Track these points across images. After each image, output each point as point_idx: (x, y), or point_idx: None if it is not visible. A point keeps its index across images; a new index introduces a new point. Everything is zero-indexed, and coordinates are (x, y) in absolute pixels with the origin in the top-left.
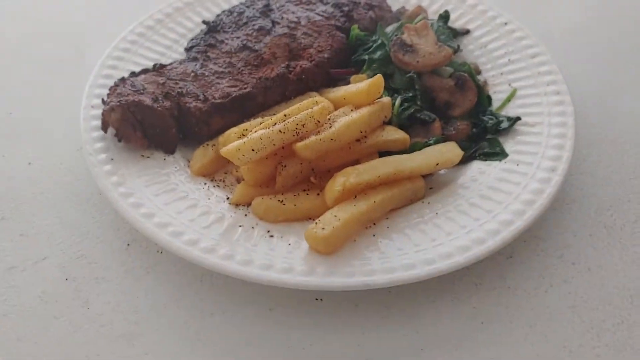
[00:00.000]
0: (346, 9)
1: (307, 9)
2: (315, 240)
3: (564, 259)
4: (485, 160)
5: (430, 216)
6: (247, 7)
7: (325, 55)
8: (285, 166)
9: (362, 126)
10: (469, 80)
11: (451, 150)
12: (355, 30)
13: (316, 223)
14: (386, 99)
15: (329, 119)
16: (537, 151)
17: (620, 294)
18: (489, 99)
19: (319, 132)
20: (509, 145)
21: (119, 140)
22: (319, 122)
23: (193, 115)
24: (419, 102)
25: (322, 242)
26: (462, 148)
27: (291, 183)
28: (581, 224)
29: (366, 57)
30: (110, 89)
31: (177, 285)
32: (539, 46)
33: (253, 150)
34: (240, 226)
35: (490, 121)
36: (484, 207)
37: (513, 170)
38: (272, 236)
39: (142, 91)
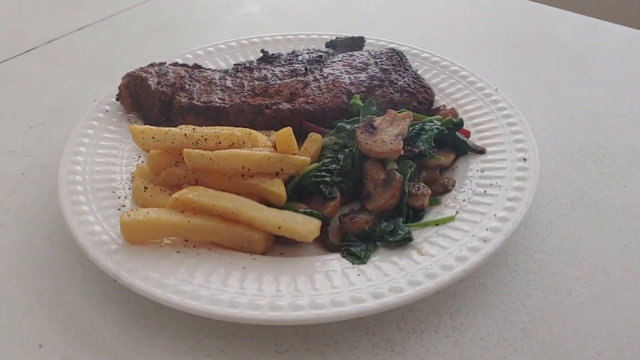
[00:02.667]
0: (375, 82)
1: (345, 71)
2: (120, 223)
3: None
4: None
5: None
6: (309, 53)
7: (308, 107)
8: (177, 165)
9: (244, 162)
10: (396, 181)
11: (307, 225)
12: (356, 99)
13: (131, 210)
14: (294, 157)
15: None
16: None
17: None
18: (418, 213)
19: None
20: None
21: (117, 99)
22: (220, 143)
23: (174, 106)
24: (336, 178)
25: (122, 226)
26: (343, 239)
27: (173, 182)
28: None
29: (342, 124)
30: (149, 64)
31: None
32: None
33: (153, 138)
34: None
35: (387, 229)
36: None
37: None
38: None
39: (158, 74)
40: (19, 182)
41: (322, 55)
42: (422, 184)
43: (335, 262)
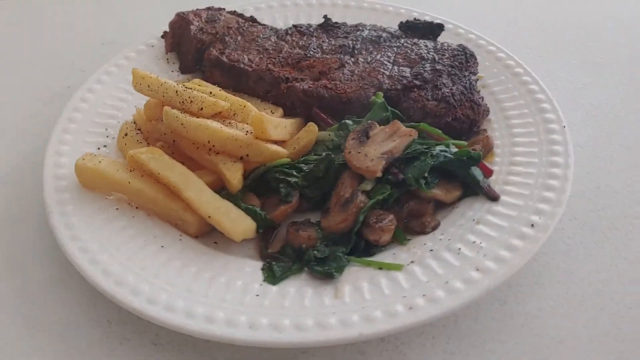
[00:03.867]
0: (416, 82)
1: (394, 61)
2: (75, 165)
3: None
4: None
5: None
6: (370, 30)
7: (323, 92)
8: (161, 120)
9: (211, 137)
10: (354, 205)
11: (238, 224)
12: (379, 97)
13: (87, 155)
14: (265, 145)
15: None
16: None
17: None
18: (372, 247)
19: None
20: None
21: (162, 37)
22: (202, 109)
23: (205, 57)
24: (301, 181)
25: (75, 169)
26: (281, 249)
27: (155, 136)
28: None
29: (348, 121)
30: (205, 7)
31: None
32: None
33: (149, 86)
34: None
35: (318, 254)
36: None
37: None
38: None
39: (207, 20)
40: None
41: (381, 37)
42: (390, 217)
43: (252, 272)
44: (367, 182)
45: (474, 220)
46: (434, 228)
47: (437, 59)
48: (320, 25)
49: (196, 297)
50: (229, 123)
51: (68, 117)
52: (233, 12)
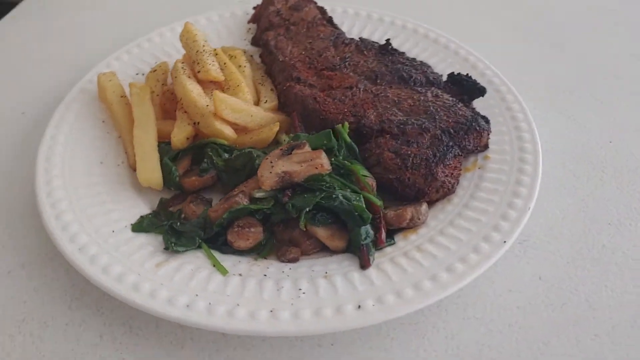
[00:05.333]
0: (389, 128)
1: (396, 103)
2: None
3: None
4: None
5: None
6: (418, 71)
7: (309, 103)
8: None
9: (181, 94)
10: (230, 202)
11: (147, 171)
12: (345, 128)
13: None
14: (212, 122)
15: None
16: None
17: None
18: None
19: (190, 76)
20: None
21: (253, 8)
22: (199, 72)
23: (263, 36)
24: (219, 162)
25: (97, 79)
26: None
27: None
28: None
29: (305, 134)
30: None
31: None
32: None
33: (186, 41)
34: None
35: (177, 228)
36: None
37: None
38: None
39: (291, 6)
40: None
41: (414, 77)
42: (258, 229)
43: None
44: (260, 191)
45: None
46: (289, 260)
47: (437, 117)
48: (380, 46)
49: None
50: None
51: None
52: (320, 8)
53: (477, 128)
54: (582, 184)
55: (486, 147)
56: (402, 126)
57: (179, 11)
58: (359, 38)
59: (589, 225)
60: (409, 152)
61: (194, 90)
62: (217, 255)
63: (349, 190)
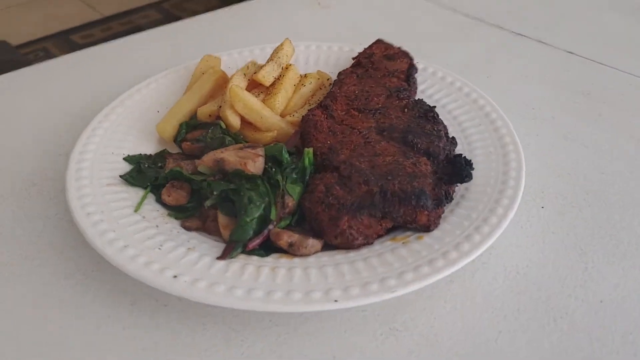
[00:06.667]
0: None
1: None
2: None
3: None
4: None
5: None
6: (439, 145)
7: (310, 124)
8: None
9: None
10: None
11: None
12: (309, 153)
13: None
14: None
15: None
16: None
17: None
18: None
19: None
20: None
21: None
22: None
23: None
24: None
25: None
26: None
27: None
28: None
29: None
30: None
31: None
32: None
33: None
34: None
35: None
36: None
37: None
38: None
39: (383, 55)
40: None
41: (416, 145)
42: (178, 193)
43: None
44: (202, 166)
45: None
46: (184, 227)
47: (390, 179)
48: (424, 111)
49: None
50: None
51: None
52: (411, 64)
53: (413, 203)
54: None
55: (427, 228)
56: (353, 172)
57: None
58: (418, 99)
59: None
60: (335, 193)
61: (235, 80)
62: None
63: (260, 196)
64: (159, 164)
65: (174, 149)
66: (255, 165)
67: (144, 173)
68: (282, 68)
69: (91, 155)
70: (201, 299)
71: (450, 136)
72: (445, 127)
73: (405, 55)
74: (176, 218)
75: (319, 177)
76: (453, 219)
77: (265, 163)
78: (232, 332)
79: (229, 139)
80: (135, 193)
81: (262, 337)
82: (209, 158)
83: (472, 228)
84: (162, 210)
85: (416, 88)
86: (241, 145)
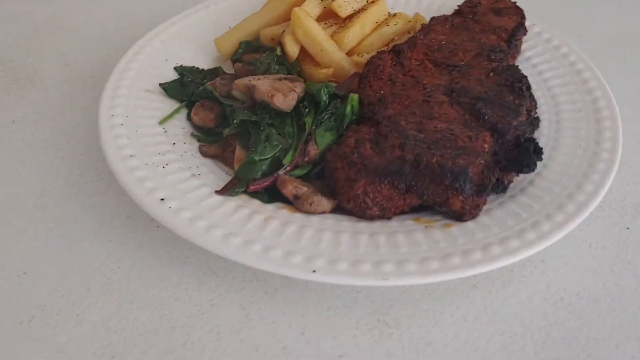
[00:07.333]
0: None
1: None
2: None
3: None
4: None
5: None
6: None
7: (371, 68)
8: None
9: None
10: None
11: (226, 42)
12: (354, 100)
13: None
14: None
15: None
16: None
17: None
18: None
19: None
20: None
21: None
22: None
23: None
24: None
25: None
26: None
27: None
28: None
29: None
30: None
31: None
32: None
33: None
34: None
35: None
36: None
37: None
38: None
39: (490, 8)
40: None
41: (484, 117)
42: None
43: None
44: (235, 91)
45: None
46: (201, 152)
47: (431, 150)
48: (513, 77)
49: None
50: None
51: None
52: (519, 12)
53: (447, 182)
54: None
55: (460, 217)
56: (392, 132)
57: None
58: (511, 65)
59: None
60: (362, 151)
61: (307, 5)
62: None
63: (283, 136)
64: (205, 81)
65: (231, 70)
66: (285, 100)
67: (185, 87)
68: (368, 1)
69: (143, 57)
70: (179, 230)
71: (535, 115)
72: (533, 103)
73: (518, 12)
74: (198, 140)
75: (353, 129)
76: (498, 213)
77: (302, 101)
78: (211, 275)
79: (277, 67)
80: (171, 106)
81: (236, 290)
82: (241, 82)
83: (529, 223)
84: (188, 129)
85: (518, 52)
86: (281, 75)
